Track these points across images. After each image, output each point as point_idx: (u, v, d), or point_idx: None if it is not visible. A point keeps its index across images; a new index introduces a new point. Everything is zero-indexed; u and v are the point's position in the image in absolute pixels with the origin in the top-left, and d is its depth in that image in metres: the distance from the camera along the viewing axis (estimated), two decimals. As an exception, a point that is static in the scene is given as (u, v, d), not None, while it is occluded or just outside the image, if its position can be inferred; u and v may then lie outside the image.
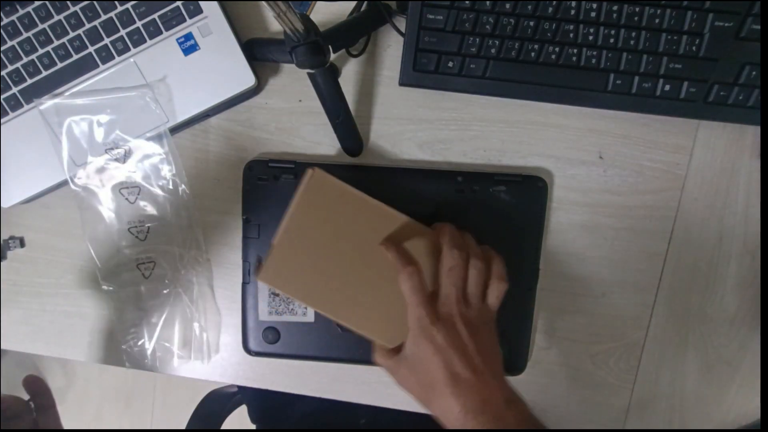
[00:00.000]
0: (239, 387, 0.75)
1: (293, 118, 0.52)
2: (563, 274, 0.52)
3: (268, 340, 0.52)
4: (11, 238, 0.54)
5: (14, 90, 0.48)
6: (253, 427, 0.74)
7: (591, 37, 0.45)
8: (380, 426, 0.65)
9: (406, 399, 0.54)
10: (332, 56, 0.44)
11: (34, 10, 0.47)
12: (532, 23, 0.45)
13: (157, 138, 0.50)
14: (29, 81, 0.48)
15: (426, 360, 0.41)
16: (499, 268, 0.44)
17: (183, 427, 0.73)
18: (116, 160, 0.51)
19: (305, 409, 0.67)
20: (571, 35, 0.45)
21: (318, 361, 0.53)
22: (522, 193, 0.50)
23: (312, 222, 0.45)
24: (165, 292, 0.54)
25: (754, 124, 0.48)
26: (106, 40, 0.48)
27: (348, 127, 0.49)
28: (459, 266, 0.43)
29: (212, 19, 0.48)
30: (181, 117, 0.49)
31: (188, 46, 0.48)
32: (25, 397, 0.47)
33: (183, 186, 0.52)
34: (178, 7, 0.47)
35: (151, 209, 0.52)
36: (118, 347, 0.54)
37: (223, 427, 0.77)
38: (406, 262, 0.43)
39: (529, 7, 0.45)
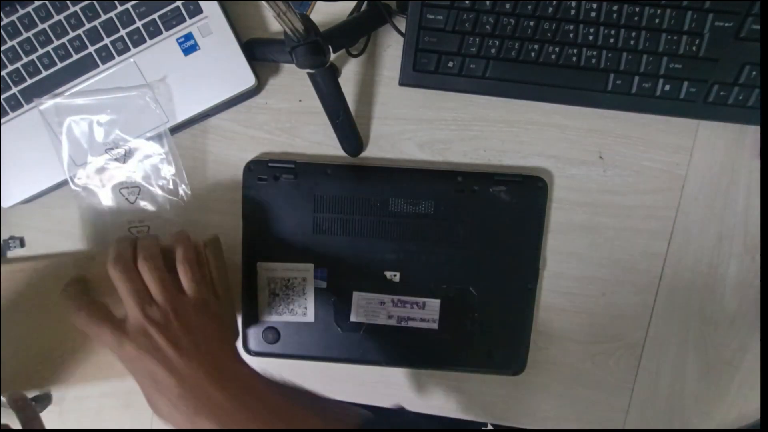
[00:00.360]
0: None
1: (293, 118, 0.52)
2: (563, 274, 0.52)
3: (268, 340, 0.52)
4: (11, 238, 0.54)
5: (14, 90, 0.48)
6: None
7: (591, 37, 0.45)
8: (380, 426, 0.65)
9: (406, 399, 0.54)
10: (332, 56, 0.44)
11: (34, 10, 0.47)
12: (532, 23, 0.45)
13: (157, 138, 0.50)
14: (29, 81, 0.48)
15: (135, 376, 0.39)
16: (182, 252, 0.43)
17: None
18: (116, 160, 0.51)
19: None
20: (571, 35, 0.45)
21: (318, 361, 0.53)
22: (522, 193, 0.50)
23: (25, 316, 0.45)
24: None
25: (754, 124, 0.48)
26: (106, 40, 0.48)
27: (348, 127, 0.49)
28: (123, 276, 0.40)
29: (212, 19, 0.48)
30: (181, 117, 0.49)
31: (188, 46, 0.48)
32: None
33: (183, 186, 0.52)
34: (178, 7, 0.47)
35: (151, 209, 0.52)
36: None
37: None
38: (76, 301, 0.42)
39: (529, 7, 0.45)
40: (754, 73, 0.45)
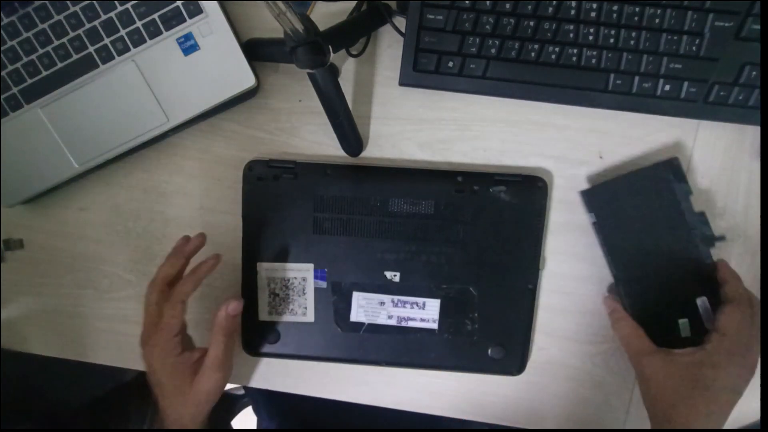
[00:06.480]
0: (246, 390, 0.75)
1: (293, 118, 0.52)
2: (563, 274, 0.52)
3: (268, 340, 0.52)
4: (11, 238, 0.54)
5: (14, 90, 0.48)
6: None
7: (591, 37, 0.45)
8: (381, 426, 0.65)
9: (406, 399, 0.54)
10: (332, 56, 0.44)
11: (34, 10, 0.47)
12: (532, 23, 0.45)
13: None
14: (29, 81, 0.48)
15: None
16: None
17: (183, 427, 0.73)
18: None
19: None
20: (571, 35, 0.45)
21: (318, 361, 0.53)
22: (522, 193, 0.50)
23: None
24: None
25: (754, 124, 0.48)
26: (106, 40, 0.48)
27: (348, 127, 0.49)
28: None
29: (212, 19, 0.48)
30: (181, 117, 0.49)
31: (188, 46, 0.48)
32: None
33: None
34: (178, 7, 0.47)
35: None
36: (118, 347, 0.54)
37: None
38: None
39: (529, 7, 0.45)
40: (754, 73, 0.45)
